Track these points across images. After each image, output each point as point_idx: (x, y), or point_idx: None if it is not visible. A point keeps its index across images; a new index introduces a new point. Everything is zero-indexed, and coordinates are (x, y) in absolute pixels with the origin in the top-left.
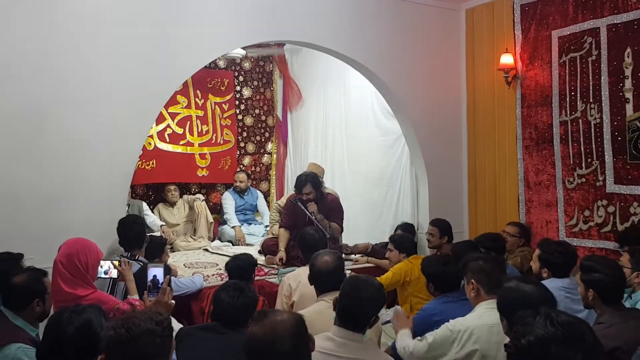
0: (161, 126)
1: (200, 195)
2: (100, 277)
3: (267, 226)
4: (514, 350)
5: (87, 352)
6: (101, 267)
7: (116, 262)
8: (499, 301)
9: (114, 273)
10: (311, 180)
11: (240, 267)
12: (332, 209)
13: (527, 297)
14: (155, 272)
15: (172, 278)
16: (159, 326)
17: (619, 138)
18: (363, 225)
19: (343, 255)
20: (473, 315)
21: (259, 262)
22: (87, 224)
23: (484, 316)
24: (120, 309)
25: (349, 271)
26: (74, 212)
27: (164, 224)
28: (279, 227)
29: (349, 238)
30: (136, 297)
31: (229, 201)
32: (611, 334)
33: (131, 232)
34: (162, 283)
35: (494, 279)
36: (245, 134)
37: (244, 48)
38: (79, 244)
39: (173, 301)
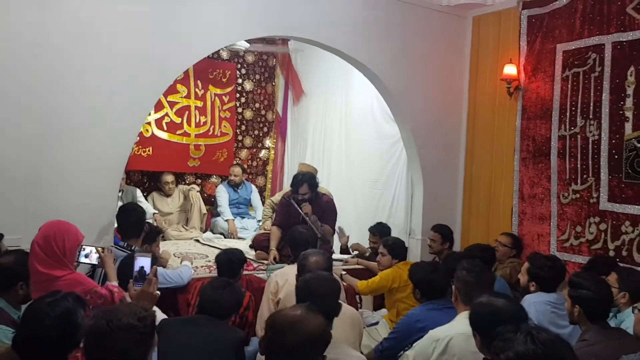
0: (159, 114)
1: (195, 186)
2: (79, 262)
3: (259, 221)
4: None
5: (66, 342)
6: (83, 250)
7: (100, 249)
8: (471, 315)
9: (94, 258)
10: (308, 180)
11: (231, 261)
12: (327, 210)
13: (499, 312)
14: (143, 262)
15: (161, 271)
16: (140, 322)
17: (616, 156)
18: (355, 227)
19: (334, 257)
20: (453, 323)
21: (249, 256)
22: (78, 206)
23: (462, 325)
24: (97, 292)
25: (344, 272)
26: (64, 193)
27: (156, 212)
28: (272, 225)
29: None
30: (115, 283)
31: (222, 194)
32: (593, 352)
33: (130, 220)
34: (149, 273)
35: (471, 290)
36: (243, 127)
37: (247, 41)
38: (57, 227)
39: (158, 292)
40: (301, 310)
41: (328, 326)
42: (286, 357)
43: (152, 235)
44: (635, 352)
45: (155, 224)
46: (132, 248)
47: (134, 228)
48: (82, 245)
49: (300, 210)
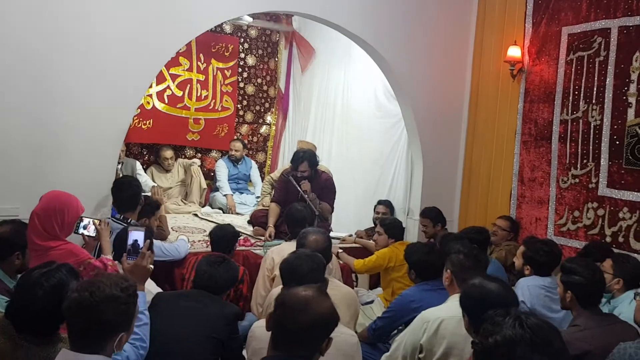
0: (161, 87)
1: (197, 160)
2: (77, 233)
3: (258, 197)
4: (480, 348)
5: (58, 313)
6: (81, 221)
7: (97, 221)
8: (462, 297)
9: (91, 230)
10: (308, 158)
11: (224, 236)
12: (325, 187)
13: (490, 296)
14: (136, 235)
15: (158, 244)
16: (123, 293)
17: (617, 142)
18: (354, 206)
19: (332, 235)
20: (445, 306)
21: (247, 232)
22: (76, 176)
23: (454, 308)
24: (91, 264)
25: (340, 250)
26: (63, 164)
27: (155, 184)
28: (270, 202)
29: (339, 217)
30: (110, 256)
31: (222, 169)
32: (584, 338)
33: (125, 193)
34: (143, 247)
35: (468, 274)
36: (245, 103)
37: (251, 17)
38: (58, 200)
39: (151, 266)
40: (312, 291)
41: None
42: (294, 336)
43: (150, 209)
44: (625, 339)
45: (154, 198)
46: (129, 221)
47: (129, 202)
48: (81, 217)
49: (299, 188)
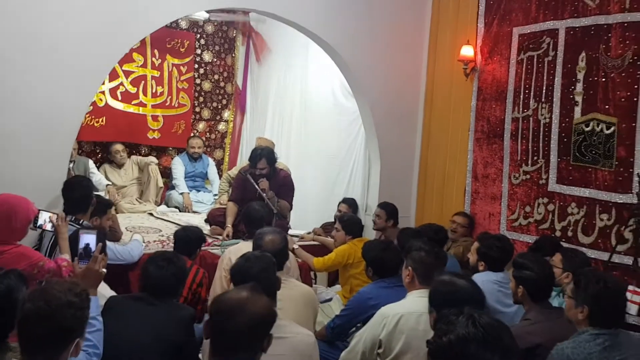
0: (114, 83)
1: (154, 159)
2: (35, 228)
3: (215, 195)
4: (435, 347)
5: (7, 321)
6: (41, 216)
7: (54, 216)
8: (431, 292)
9: (48, 226)
10: (266, 155)
11: (189, 239)
12: (284, 185)
13: (459, 292)
14: (88, 239)
15: (111, 246)
16: (78, 298)
17: (565, 139)
18: (312, 203)
19: (290, 232)
20: (404, 302)
21: (204, 231)
22: (26, 177)
23: (414, 304)
24: (44, 267)
25: (296, 246)
26: (12, 164)
27: (110, 183)
28: (228, 201)
29: (298, 214)
30: (66, 256)
31: (179, 167)
32: (535, 331)
33: (75, 193)
34: (95, 250)
35: (430, 272)
36: (201, 99)
37: (208, 12)
38: (7, 204)
39: (104, 269)
40: (245, 292)
41: (273, 304)
42: (234, 340)
43: (101, 208)
44: (572, 332)
45: (107, 197)
46: (81, 222)
47: (80, 203)
48: (40, 210)
49: (257, 187)
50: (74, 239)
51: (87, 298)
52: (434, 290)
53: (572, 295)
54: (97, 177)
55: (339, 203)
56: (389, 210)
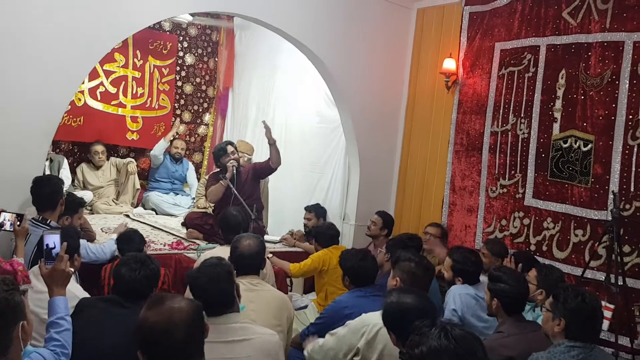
0: (94, 83)
1: (133, 160)
2: None
3: (193, 198)
4: (407, 358)
5: None
6: (0, 216)
7: (16, 219)
8: (383, 315)
9: (7, 226)
10: (230, 142)
11: (130, 237)
12: (255, 167)
13: (408, 310)
14: (51, 239)
15: (84, 243)
16: (6, 285)
17: (543, 155)
18: (292, 208)
19: (267, 238)
20: None
21: (180, 235)
22: (2, 174)
23: None
24: (0, 267)
25: (271, 255)
26: None
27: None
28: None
29: (276, 221)
30: (21, 260)
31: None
32: (507, 344)
33: (43, 190)
34: (60, 250)
35: (417, 283)
36: (182, 102)
37: (192, 15)
38: None
39: (71, 269)
40: (168, 303)
41: (199, 313)
42: (173, 352)
43: (72, 207)
44: (544, 345)
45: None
46: (48, 222)
47: (47, 200)
48: (1, 211)
49: (233, 189)
50: (38, 242)
51: (13, 281)
52: (384, 312)
53: (550, 308)
54: (65, 174)
55: (307, 211)
56: (386, 220)
